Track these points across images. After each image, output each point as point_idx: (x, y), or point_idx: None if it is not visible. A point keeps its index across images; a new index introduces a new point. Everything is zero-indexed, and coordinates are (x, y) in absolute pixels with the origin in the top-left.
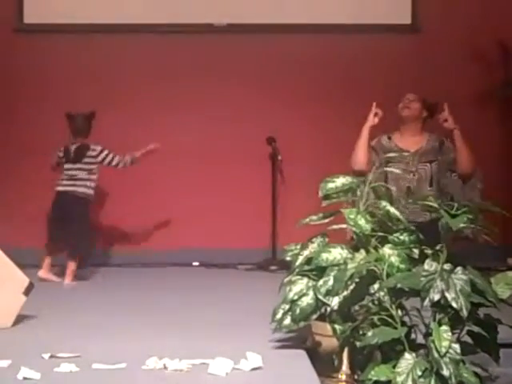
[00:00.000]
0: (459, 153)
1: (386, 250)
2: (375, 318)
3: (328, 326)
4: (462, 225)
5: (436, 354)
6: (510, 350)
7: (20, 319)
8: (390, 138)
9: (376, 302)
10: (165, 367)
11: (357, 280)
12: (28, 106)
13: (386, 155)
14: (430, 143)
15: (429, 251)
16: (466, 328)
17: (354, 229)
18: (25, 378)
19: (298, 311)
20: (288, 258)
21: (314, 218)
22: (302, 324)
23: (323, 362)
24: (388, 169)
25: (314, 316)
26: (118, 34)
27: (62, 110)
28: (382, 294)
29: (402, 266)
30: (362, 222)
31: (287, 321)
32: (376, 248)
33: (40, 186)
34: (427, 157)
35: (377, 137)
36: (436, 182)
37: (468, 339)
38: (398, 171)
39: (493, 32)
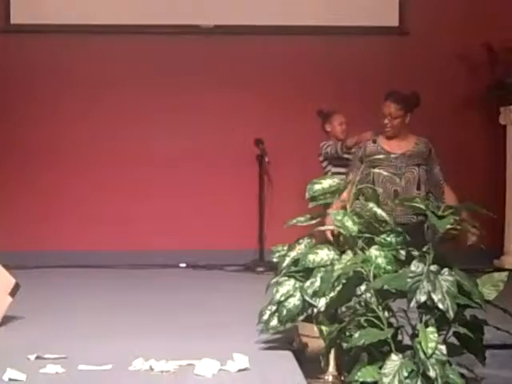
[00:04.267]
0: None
1: (373, 252)
2: (362, 319)
3: (315, 328)
4: (448, 226)
5: (422, 355)
6: (495, 351)
7: (6, 320)
8: (375, 142)
9: (363, 304)
10: (151, 368)
11: (344, 281)
12: (15, 106)
13: (371, 157)
14: (417, 147)
15: (415, 253)
16: (453, 329)
17: (341, 230)
18: (10, 380)
19: (284, 312)
20: (275, 260)
21: (301, 219)
22: (288, 325)
23: (310, 363)
24: (375, 170)
25: (301, 317)
26: (105, 35)
27: (49, 110)
28: (368, 295)
29: (389, 268)
30: (349, 223)
31: (274, 322)
32: (363, 249)
33: (23, 187)
34: (414, 160)
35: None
36: (424, 185)
37: (454, 340)
38: (385, 173)
39: (479, 35)
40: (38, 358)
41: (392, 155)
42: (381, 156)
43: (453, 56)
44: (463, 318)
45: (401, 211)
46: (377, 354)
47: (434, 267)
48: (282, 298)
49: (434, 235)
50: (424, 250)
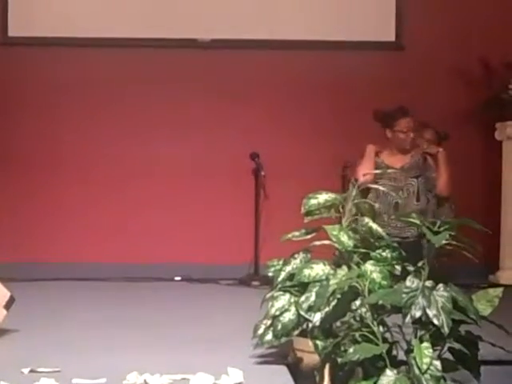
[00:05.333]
0: (440, 175)
1: (368, 267)
2: (357, 334)
3: (309, 342)
4: (444, 242)
5: (417, 371)
6: (490, 368)
7: (0, 333)
8: (377, 155)
9: (358, 319)
10: (145, 382)
11: (339, 296)
12: (12, 117)
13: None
14: (413, 158)
15: (411, 268)
16: (447, 345)
17: (336, 245)
18: None
19: (279, 327)
20: (270, 274)
21: (297, 234)
22: (283, 340)
23: (304, 378)
24: (373, 186)
25: (296, 332)
26: (102, 48)
27: (45, 122)
28: (363, 310)
29: (384, 283)
30: (344, 238)
31: (269, 336)
32: (358, 264)
33: (18, 199)
34: (412, 172)
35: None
36: (424, 196)
37: (449, 356)
38: (382, 188)
39: (476, 50)
40: (31, 371)
41: (392, 170)
42: (381, 171)
43: (449, 71)
44: (458, 334)
45: (401, 225)
46: (371, 369)
47: (429, 283)
48: (277, 313)
49: (429, 250)
50: (419, 265)
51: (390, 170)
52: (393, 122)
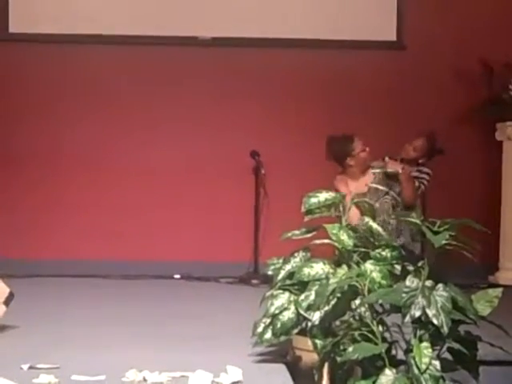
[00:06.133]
0: (405, 189)
1: (368, 266)
2: (356, 333)
3: (309, 341)
4: (443, 242)
5: (416, 371)
6: (489, 368)
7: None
8: (347, 185)
9: (357, 318)
10: (144, 379)
11: (338, 295)
12: (13, 114)
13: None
14: (377, 177)
15: (411, 268)
16: (447, 345)
17: (336, 244)
18: None
19: (278, 325)
20: (270, 272)
21: (297, 232)
22: (282, 338)
23: (303, 377)
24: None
25: (295, 330)
26: (102, 46)
27: (45, 120)
28: (363, 309)
29: (384, 282)
30: (344, 237)
31: (268, 335)
32: (358, 263)
33: (17, 196)
34: (381, 191)
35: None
36: (398, 207)
37: (448, 356)
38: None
39: (476, 50)
40: (31, 367)
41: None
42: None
43: (450, 71)
44: (457, 334)
45: (393, 233)
46: (370, 368)
47: (428, 282)
48: (277, 311)
49: (429, 250)
50: (419, 265)
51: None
52: (349, 148)
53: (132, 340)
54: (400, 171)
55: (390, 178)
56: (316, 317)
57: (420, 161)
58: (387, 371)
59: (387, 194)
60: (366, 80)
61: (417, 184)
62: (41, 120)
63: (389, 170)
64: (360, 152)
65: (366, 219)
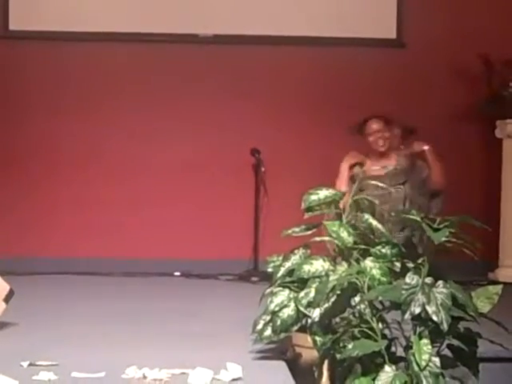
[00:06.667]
0: (433, 170)
1: (368, 263)
2: (356, 330)
3: (308, 338)
4: (443, 238)
5: (416, 367)
6: (489, 365)
7: None
8: (361, 166)
9: (357, 315)
10: (144, 376)
11: (338, 292)
12: (13, 112)
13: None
14: (399, 164)
15: (410, 264)
16: (446, 342)
17: (336, 241)
18: None
19: (278, 322)
20: (270, 270)
21: (297, 229)
22: (282, 335)
23: (303, 374)
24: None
25: (295, 327)
26: (103, 43)
27: (46, 117)
28: (363, 306)
29: (384, 279)
30: (344, 234)
31: (268, 332)
32: (358, 261)
33: (17, 194)
34: (398, 179)
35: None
36: (409, 202)
37: (448, 353)
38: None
39: (477, 48)
40: (30, 364)
41: (376, 180)
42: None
43: (449, 69)
44: (457, 331)
45: (393, 229)
46: (370, 365)
47: (428, 279)
48: (277, 309)
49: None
50: (419, 262)
51: (372, 182)
52: (363, 127)
53: (132, 337)
54: (426, 149)
55: (414, 164)
56: (316, 314)
57: (396, 132)
58: (387, 368)
59: (405, 183)
60: (365, 77)
61: None
62: (41, 118)
63: (415, 149)
64: (368, 135)
65: (366, 216)
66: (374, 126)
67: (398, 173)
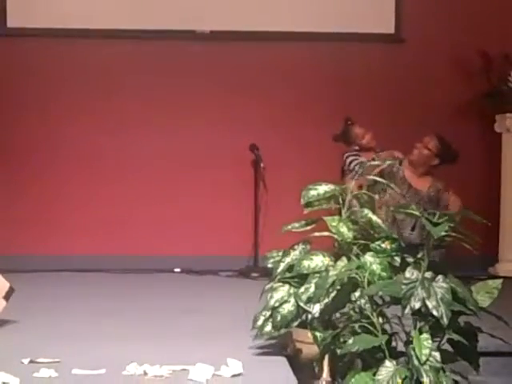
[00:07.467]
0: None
1: (368, 258)
2: (356, 325)
3: (309, 333)
4: (443, 233)
5: (416, 362)
6: (489, 359)
7: (0, 324)
8: (400, 164)
9: (357, 310)
10: (145, 373)
11: (338, 287)
12: (12, 109)
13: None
14: (430, 190)
15: (410, 259)
16: (447, 336)
17: (335, 236)
18: (4, 383)
19: (278, 318)
20: (270, 265)
21: (297, 225)
22: (282, 331)
23: (304, 369)
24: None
25: (295, 323)
26: (101, 40)
27: (44, 114)
28: (363, 301)
29: (384, 274)
30: (344, 229)
31: (268, 328)
32: (358, 256)
33: (17, 190)
34: (423, 204)
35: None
36: (419, 228)
37: (448, 347)
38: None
39: (475, 42)
40: (31, 361)
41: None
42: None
43: (448, 63)
44: (457, 325)
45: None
46: (371, 360)
47: (428, 274)
48: (277, 304)
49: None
50: (418, 256)
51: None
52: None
53: (132, 334)
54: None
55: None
56: (316, 309)
57: (434, 163)
58: (387, 363)
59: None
60: (364, 72)
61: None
62: (39, 115)
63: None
64: (422, 148)
65: (366, 211)
66: (431, 141)
67: (425, 199)
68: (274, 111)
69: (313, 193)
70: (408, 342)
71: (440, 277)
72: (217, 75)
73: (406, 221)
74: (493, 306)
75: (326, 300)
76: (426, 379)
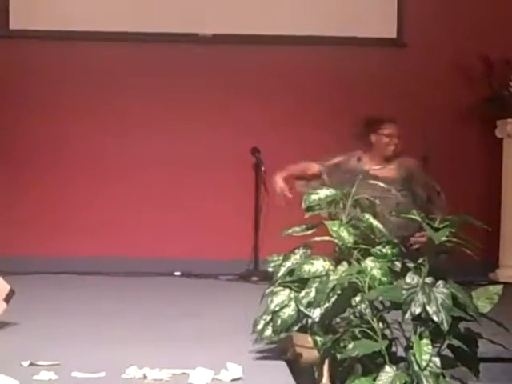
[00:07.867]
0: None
1: (368, 263)
2: (356, 330)
3: (309, 338)
4: (444, 238)
5: (416, 367)
6: (489, 365)
7: (0, 326)
8: (359, 160)
9: (357, 315)
10: (145, 376)
11: (339, 292)
12: (14, 111)
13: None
14: (399, 172)
15: (411, 264)
16: (447, 342)
17: (336, 241)
18: None
19: (279, 322)
20: (270, 269)
21: (297, 229)
22: (283, 335)
23: (304, 374)
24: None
25: (295, 327)
26: (103, 42)
27: (46, 116)
28: (363, 306)
29: (384, 279)
30: (344, 234)
31: (268, 332)
32: (358, 260)
33: (17, 192)
34: (395, 186)
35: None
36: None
37: (448, 353)
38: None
39: (477, 48)
40: (31, 364)
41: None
42: (360, 176)
43: (450, 68)
44: (457, 331)
45: None
46: (371, 365)
47: (429, 279)
48: (277, 308)
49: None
50: (419, 262)
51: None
52: (378, 125)
53: (132, 337)
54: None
55: (412, 183)
56: (316, 314)
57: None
58: (387, 368)
59: (400, 191)
60: (366, 77)
61: None
62: (42, 116)
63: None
64: (383, 135)
65: (367, 216)
66: (392, 130)
67: (396, 181)
68: (276, 114)
69: (314, 197)
70: (408, 348)
71: (440, 282)
72: (219, 78)
73: (386, 201)
74: (493, 312)
75: (327, 305)
76: None
